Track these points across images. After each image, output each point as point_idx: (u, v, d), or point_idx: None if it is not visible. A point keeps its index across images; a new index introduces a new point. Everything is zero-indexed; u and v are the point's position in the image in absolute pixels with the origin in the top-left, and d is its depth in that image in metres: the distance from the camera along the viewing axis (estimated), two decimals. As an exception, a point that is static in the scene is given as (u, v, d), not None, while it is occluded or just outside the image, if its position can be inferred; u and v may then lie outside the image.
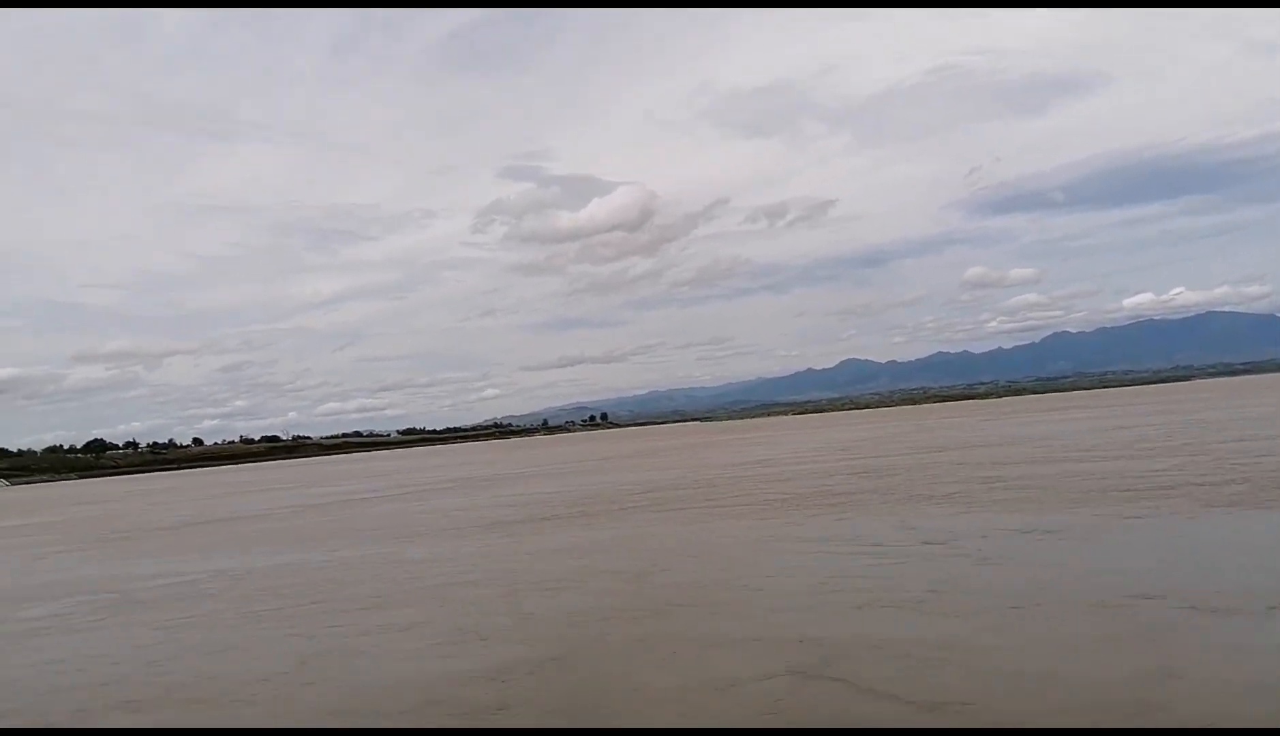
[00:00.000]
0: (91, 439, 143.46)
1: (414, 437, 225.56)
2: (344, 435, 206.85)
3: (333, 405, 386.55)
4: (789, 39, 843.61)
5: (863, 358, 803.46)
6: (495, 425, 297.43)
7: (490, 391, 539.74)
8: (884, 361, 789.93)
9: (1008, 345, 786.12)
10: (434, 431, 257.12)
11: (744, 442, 43.12)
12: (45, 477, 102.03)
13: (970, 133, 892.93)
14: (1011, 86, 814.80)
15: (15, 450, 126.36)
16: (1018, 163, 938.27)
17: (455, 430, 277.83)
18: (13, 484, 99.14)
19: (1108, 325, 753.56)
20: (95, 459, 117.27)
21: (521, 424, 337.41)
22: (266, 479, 52.48)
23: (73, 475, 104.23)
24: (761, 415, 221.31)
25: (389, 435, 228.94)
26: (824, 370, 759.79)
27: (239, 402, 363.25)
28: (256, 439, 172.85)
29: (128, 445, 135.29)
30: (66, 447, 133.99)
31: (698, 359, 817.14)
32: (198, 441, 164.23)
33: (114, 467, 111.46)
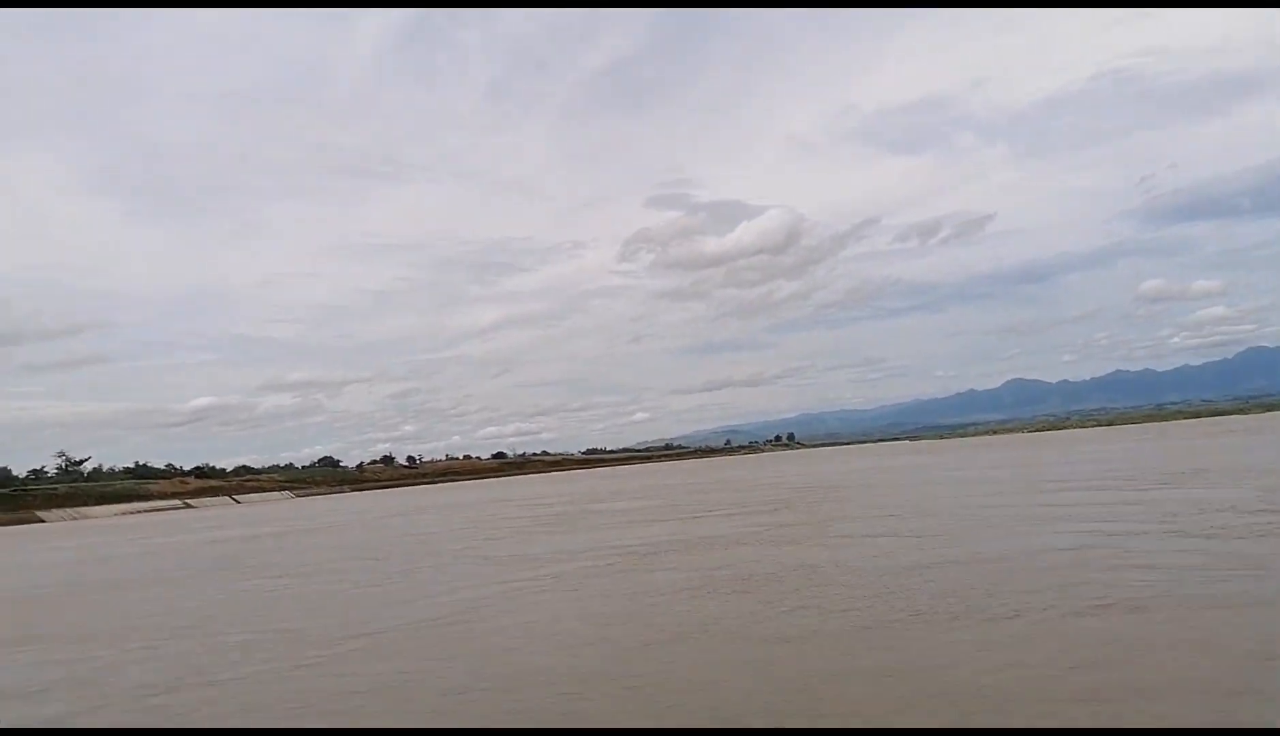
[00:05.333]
0: (323, 457, 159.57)
1: (595, 458, 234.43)
2: (524, 455, 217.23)
3: (491, 429, 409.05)
4: (938, 54, 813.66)
5: (1030, 377, 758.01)
6: (667, 446, 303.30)
7: (640, 415, 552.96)
8: (1054, 381, 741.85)
9: (1195, 362, 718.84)
10: (611, 452, 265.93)
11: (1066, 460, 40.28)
12: (321, 490, 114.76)
13: (1141, 139, 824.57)
14: (1187, 88, 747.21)
15: (284, 465, 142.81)
16: (1196, 168, 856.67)
17: (631, 450, 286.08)
18: (297, 495, 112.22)
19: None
20: (359, 473, 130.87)
21: (690, 444, 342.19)
22: (604, 489, 54.90)
23: (345, 488, 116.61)
24: (936, 437, 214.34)
25: (574, 455, 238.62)
26: (988, 391, 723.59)
27: (408, 427, 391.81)
28: (483, 456, 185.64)
29: (383, 460, 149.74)
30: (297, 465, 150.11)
31: (849, 381, 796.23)
32: (411, 460, 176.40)
33: (375, 481, 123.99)
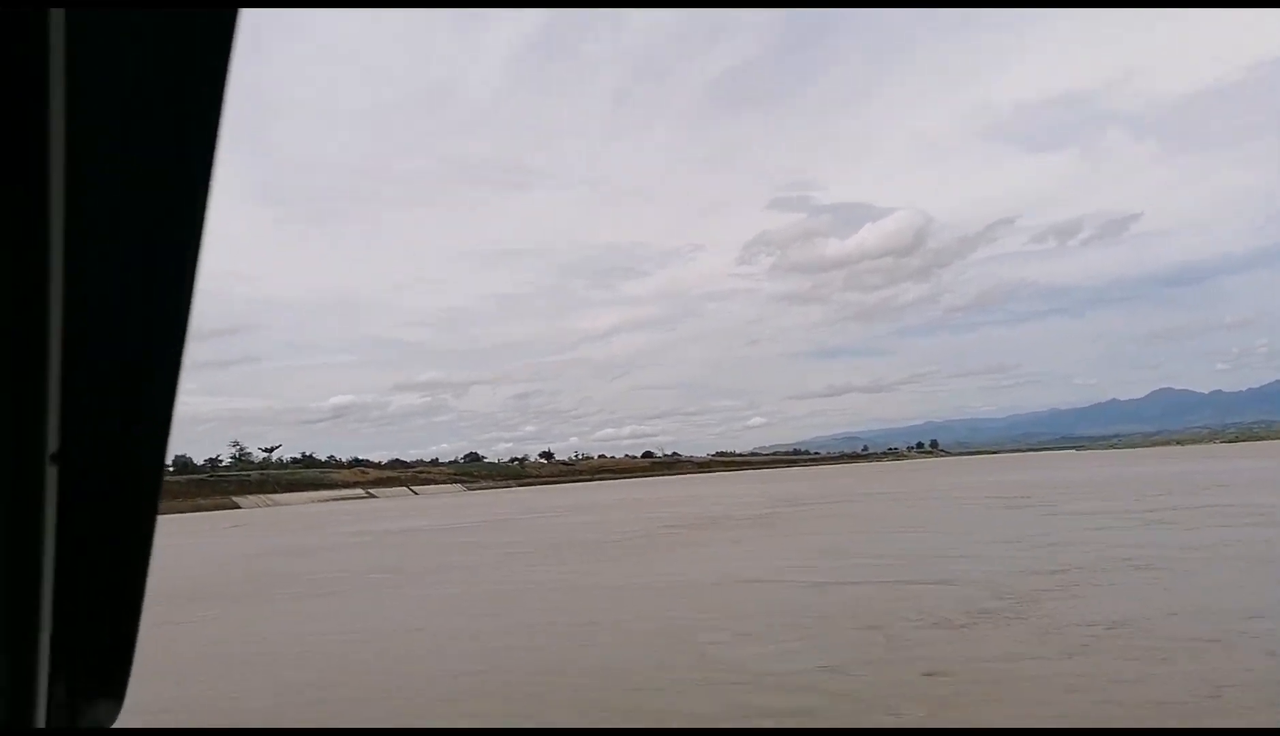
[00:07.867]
0: (468, 453, 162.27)
1: (732, 460, 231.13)
2: (648, 457, 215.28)
3: (609, 431, 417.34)
4: (1082, 47, 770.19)
5: (1179, 387, 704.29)
6: (794, 451, 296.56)
7: (756, 419, 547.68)
8: (1206, 391, 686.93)
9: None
10: (740, 455, 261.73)
11: None
12: (489, 485, 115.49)
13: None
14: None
15: (429, 460, 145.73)
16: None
17: (758, 455, 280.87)
18: (468, 488, 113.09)
19: None
20: (522, 468, 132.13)
21: (812, 449, 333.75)
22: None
23: (512, 483, 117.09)
24: (1107, 447, 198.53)
25: (705, 457, 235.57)
26: (1131, 401, 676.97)
27: (529, 428, 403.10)
28: (637, 455, 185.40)
29: (543, 455, 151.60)
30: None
31: (978, 388, 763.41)
32: (547, 456, 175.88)
33: (537, 477, 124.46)
